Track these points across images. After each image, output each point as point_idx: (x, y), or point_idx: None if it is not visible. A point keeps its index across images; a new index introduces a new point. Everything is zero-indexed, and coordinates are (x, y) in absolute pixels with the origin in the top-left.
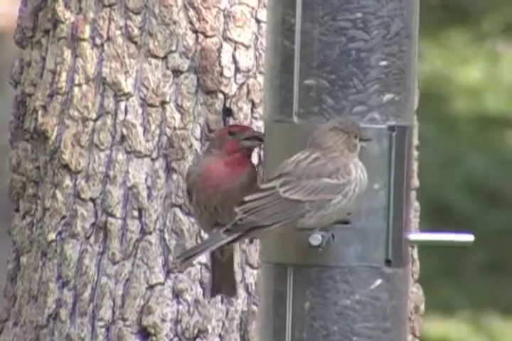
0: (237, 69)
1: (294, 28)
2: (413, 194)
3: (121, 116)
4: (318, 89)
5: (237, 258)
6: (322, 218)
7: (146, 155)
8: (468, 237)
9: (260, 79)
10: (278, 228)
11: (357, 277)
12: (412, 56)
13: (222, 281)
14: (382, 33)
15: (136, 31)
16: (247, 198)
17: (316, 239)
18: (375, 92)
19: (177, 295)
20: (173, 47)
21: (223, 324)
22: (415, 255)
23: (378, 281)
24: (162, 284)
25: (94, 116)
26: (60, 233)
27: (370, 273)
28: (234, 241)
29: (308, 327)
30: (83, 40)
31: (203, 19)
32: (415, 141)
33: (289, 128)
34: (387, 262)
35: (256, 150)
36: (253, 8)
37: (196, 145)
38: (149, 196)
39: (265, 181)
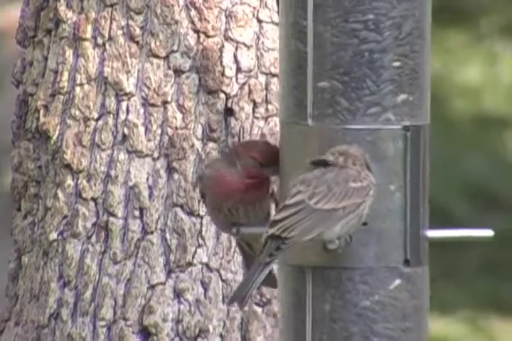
0: (238, 69)
1: (306, 31)
2: None
3: (122, 116)
4: (331, 91)
5: None
6: (345, 226)
7: (147, 155)
8: (488, 232)
9: (262, 79)
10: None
11: (376, 278)
12: (424, 56)
13: None
14: (395, 33)
15: (137, 31)
16: (277, 217)
17: (332, 243)
18: (389, 93)
19: (178, 294)
20: (175, 47)
21: (224, 324)
22: None
23: (397, 281)
24: (163, 284)
25: (95, 115)
26: (61, 232)
27: (388, 274)
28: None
29: (328, 329)
30: (85, 39)
31: (205, 19)
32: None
33: (303, 131)
34: (406, 262)
35: None
36: (255, 8)
37: (198, 145)
38: (151, 196)
39: (288, 197)
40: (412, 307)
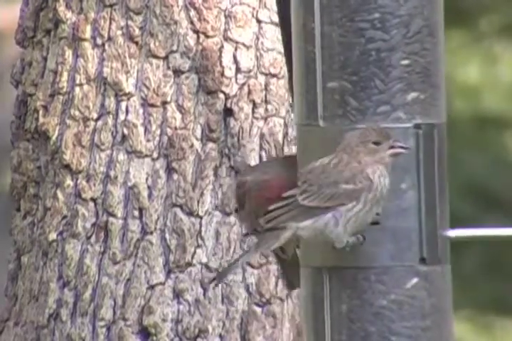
0: (237, 70)
1: (314, 32)
2: None
3: (122, 116)
4: (341, 92)
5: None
6: (346, 224)
7: (146, 155)
8: None
9: (261, 79)
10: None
11: (392, 277)
12: (437, 53)
13: (294, 277)
14: (402, 31)
15: (137, 31)
16: (271, 207)
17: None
18: (399, 91)
19: (177, 295)
20: (174, 48)
21: (224, 324)
22: None
23: (414, 280)
24: (163, 284)
25: (95, 116)
26: (61, 233)
27: (404, 273)
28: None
29: (346, 329)
30: (84, 40)
31: (204, 19)
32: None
33: (316, 132)
34: (422, 260)
35: None
36: (254, 9)
37: (197, 145)
38: (150, 196)
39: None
40: (431, 306)
